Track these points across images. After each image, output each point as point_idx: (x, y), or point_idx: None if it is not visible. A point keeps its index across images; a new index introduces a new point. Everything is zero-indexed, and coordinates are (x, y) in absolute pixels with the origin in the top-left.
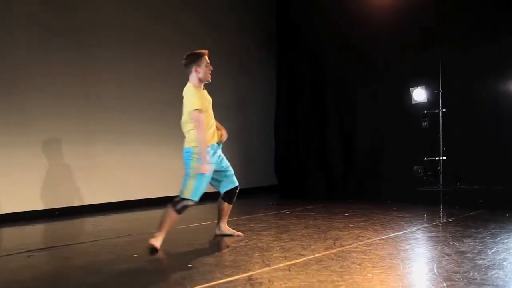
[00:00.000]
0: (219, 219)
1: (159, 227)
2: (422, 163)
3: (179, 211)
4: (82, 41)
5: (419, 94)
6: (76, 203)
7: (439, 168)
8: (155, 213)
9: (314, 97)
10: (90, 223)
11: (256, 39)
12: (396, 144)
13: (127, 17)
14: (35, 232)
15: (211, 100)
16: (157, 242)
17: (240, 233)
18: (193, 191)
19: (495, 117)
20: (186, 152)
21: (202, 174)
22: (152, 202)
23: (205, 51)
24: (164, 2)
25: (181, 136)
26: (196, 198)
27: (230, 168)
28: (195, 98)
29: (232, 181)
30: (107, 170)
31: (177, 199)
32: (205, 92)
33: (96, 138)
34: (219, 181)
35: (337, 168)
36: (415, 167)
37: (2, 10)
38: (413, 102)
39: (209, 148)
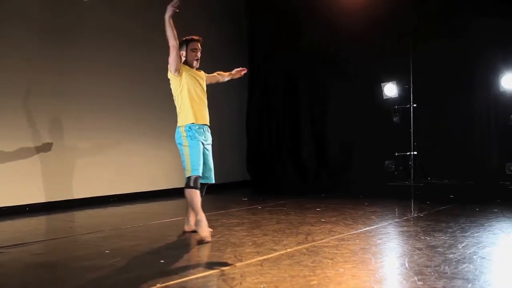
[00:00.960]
0: (188, 214)
1: (195, 213)
2: (393, 158)
3: (194, 187)
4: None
5: (390, 90)
6: (47, 199)
7: (410, 163)
8: (127, 209)
9: (286, 93)
10: (61, 219)
11: (228, 33)
12: (367, 139)
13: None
14: (5, 228)
15: (203, 78)
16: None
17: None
18: (192, 168)
19: (466, 113)
20: (176, 134)
21: (194, 148)
22: (124, 197)
23: (195, 37)
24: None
25: (157, 134)
26: (198, 172)
27: (210, 163)
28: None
29: (205, 177)
30: (78, 165)
31: (186, 181)
32: (197, 72)
33: (67, 134)
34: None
35: (309, 163)
36: (386, 162)
37: None
38: (384, 98)
39: (196, 127)
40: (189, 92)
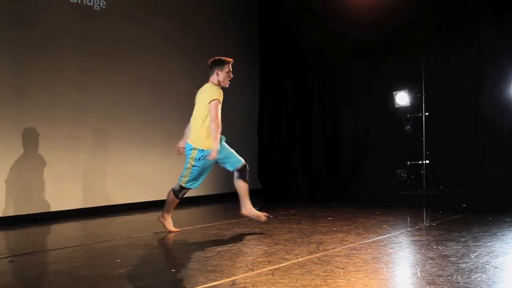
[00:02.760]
0: (240, 200)
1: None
2: (405, 166)
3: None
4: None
5: (402, 98)
6: (59, 208)
7: (422, 171)
8: (138, 218)
9: (298, 101)
10: (72, 228)
11: (239, 41)
12: (379, 147)
13: (106, 26)
14: (17, 237)
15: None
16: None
17: (265, 216)
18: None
19: (478, 121)
20: (188, 149)
21: (198, 167)
22: (136, 206)
23: (230, 60)
24: (144, 7)
25: (165, 141)
26: (191, 187)
27: (231, 151)
28: (217, 91)
29: (237, 160)
30: (89, 174)
31: (176, 186)
32: None
33: (78, 143)
34: (224, 163)
35: (320, 172)
36: (398, 171)
37: None
38: (396, 106)
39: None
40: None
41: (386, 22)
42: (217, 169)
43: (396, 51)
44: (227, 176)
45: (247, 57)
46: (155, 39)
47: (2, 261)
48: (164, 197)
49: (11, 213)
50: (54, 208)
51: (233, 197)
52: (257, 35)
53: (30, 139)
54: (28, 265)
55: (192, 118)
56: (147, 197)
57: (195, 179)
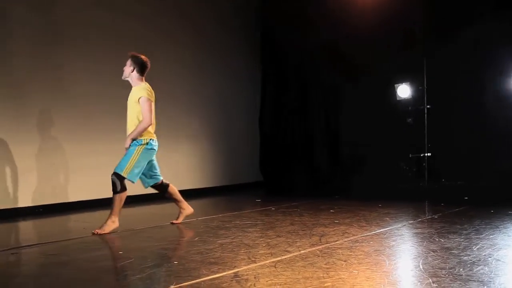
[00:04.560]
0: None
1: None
2: (407, 159)
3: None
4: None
5: (404, 91)
6: (61, 200)
7: (424, 164)
8: (141, 210)
9: (299, 94)
10: (75, 220)
11: (241, 37)
12: (381, 140)
13: (106, 20)
14: (19, 229)
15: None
16: None
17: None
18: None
19: (480, 113)
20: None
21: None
22: (138, 198)
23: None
24: (144, 3)
25: (168, 136)
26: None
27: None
28: None
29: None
30: (92, 167)
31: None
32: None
33: (79, 135)
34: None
35: (322, 164)
36: (400, 164)
37: None
38: (398, 99)
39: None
40: None
41: (387, 14)
42: (220, 161)
43: (397, 43)
44: (230, 168)
45: (248, 50)
46: (154, 33)
47: (5, 253)
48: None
49: (12, 205)
50: (56, 200)
51: (236, 189)
52: (259, 32)
53: (30, 132)
54: (31, 257)
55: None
56: (150, 189)
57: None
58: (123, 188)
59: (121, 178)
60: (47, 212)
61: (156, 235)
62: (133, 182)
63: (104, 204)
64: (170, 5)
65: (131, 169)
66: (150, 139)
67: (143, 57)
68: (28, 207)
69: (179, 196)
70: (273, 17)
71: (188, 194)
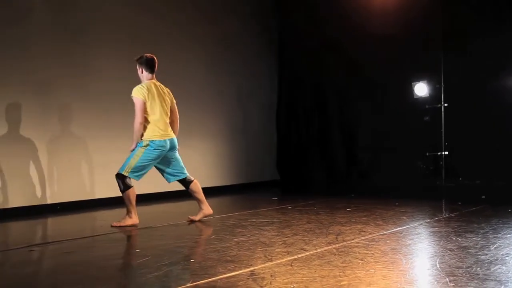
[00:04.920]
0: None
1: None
2: (424, 158)
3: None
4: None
5: (421, 89)
6: (78, 197)
7: (441, 163)
8: (157, 208)
9: (316, 93)
10: (92, 217)
11: (258, 36)
12: (398, 138)
13: (126, 17)
14: (37, 227)
15: None
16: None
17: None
18: None
19: (498, 112)
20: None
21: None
22: (154, 196)
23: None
24: (165, 1)
25: (184, 133)
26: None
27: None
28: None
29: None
30: (108, 164)
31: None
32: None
33: (94, 133)
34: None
35: (339, 163)
36: (417, 162)
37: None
38: (415, 97)
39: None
40: None
41: (405, 12)
42: (237, 160)
43: (415, 41)
44: (246, 167)
45: (265, 48)
46: (170, 30)
47: (22, 251)
48: (181, 188)
49: (31, 203)
50: (74, 198)
51: (252, 187)
52: (276, 30)
53: (46, 130)
54: (47, 255)
55: (164, 116)
56: (165, 187)
57: None
58: (127, 186)
59: (122, 177)
60: (65, 209)
61: (172, 233)
62: (136, 179)
63: (121, 202)
64: (188, 1)
65: (132, 169)
66: (151, 141)
67: (146, 55)
68: (46, 204)
69: (200, 195)
70: (290, 17)
71: (204, 192)
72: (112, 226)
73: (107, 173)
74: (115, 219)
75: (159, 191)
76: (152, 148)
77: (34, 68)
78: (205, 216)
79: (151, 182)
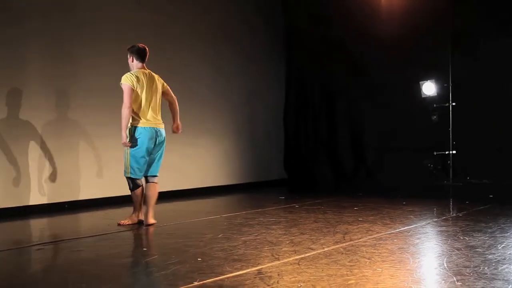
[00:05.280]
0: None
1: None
2: (431, 157)
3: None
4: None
5: (429, 88)
6: (86, 196)
7: (448, 162)
8: (164, 207)
9: (323, 92)
10: (100, 216)
11: (265, 34)
12: (405, 138)
13: (130, 15)
14: (44, 225)
15: None
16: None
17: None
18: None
19: (505, 111)
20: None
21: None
22: (161, 196)
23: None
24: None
25: (194, 132)
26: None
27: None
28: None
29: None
30: (116, 163)
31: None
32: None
33: (104, 132)
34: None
35: (346, 162)
36: (424, 161)
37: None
38: (423, 96)
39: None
40: None
41: (414, 11)
42: (244, 159)
43: (423, 40)
44: (254, 166)
45: (273, 47)
46: (179, 30)
47: (30, 249)
48: (189, 187)
49: (39, 202)
50: (81, 196)
51: (260, 186)
52: (284, 29)
53: (51, 129)
54: (55, 254)
55: (153, 104)
56: (172, 187)
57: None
58: (135, 186)
59: (131, 177)
60: (72, 208)
61: (179, 231)
62: (138, 177)
63: (129, 200)
64: (195, 2)
65: (130, 169)
66: (133, 127)
67: (139, 44)
68: (54, 203)
69: (152, 201)
70: (298, 17)
71: (211, 191)
72: (119, 225)
73: (115, 172)
74: (122, 217)
75: (169, 190)
76: (138, 136)
77: (34, 66)
78: (134, 223)
79: (160, 181)
